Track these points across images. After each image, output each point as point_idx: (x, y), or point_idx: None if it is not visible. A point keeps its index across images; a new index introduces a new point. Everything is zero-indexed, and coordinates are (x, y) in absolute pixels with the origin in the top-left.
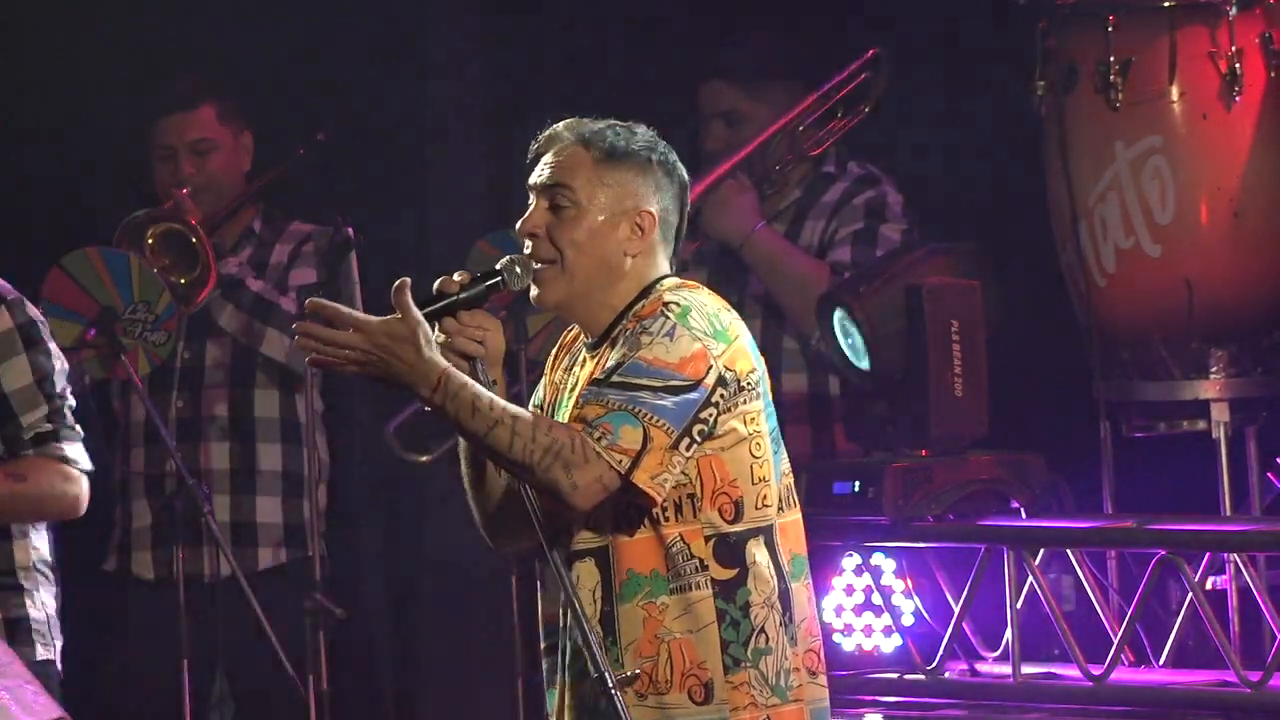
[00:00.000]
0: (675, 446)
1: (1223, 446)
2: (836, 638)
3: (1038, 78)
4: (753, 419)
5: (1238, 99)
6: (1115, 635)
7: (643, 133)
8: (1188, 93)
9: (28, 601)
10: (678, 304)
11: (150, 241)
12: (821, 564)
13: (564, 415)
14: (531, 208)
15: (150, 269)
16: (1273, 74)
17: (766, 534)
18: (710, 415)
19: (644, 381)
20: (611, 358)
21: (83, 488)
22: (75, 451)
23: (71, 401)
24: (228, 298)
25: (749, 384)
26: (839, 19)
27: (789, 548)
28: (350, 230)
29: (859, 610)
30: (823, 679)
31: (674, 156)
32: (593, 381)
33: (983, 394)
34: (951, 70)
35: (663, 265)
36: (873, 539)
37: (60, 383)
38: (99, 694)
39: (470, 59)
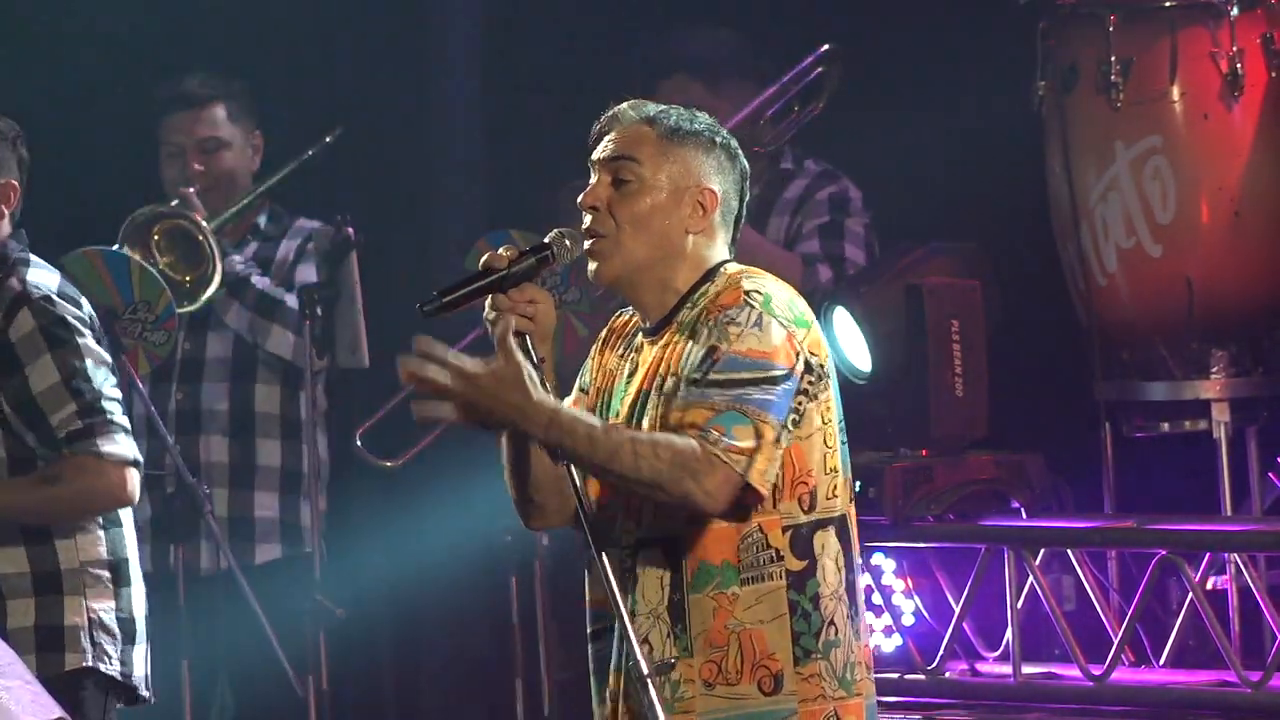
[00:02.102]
0: (778, 440)
1: (1223, 446)
2: None
3: (1038, 78)
4: (827, 407)
5: (1239, 99)
6: (1115, 635)
7: (704, 116)
8: (1188, 93)
9: (67, 606)
10: (758, 291)
11: (156, 238)
12: None
13: (622, 404)
14: (594, 181)
15: (150, 269)
16: (1274, 74)
17: (839, 524)
18: (801, 403)
19: (744, 375)
20: (695, 351)
21: (128, 479)
22: (113, 445)
23: (114, 394)
24: (233, 295)
25: (826, 372)
26: (838, 19)
27: (853, 518)
28: (350, 230)
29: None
30: (873, 675)
31: (735, 143)
32: (689, 382)
33: (983, 394)
34: (951, 70)
35: (722, 249)
36: (873, 539)
37: (98, 377)
38: None
39: (471, 60)
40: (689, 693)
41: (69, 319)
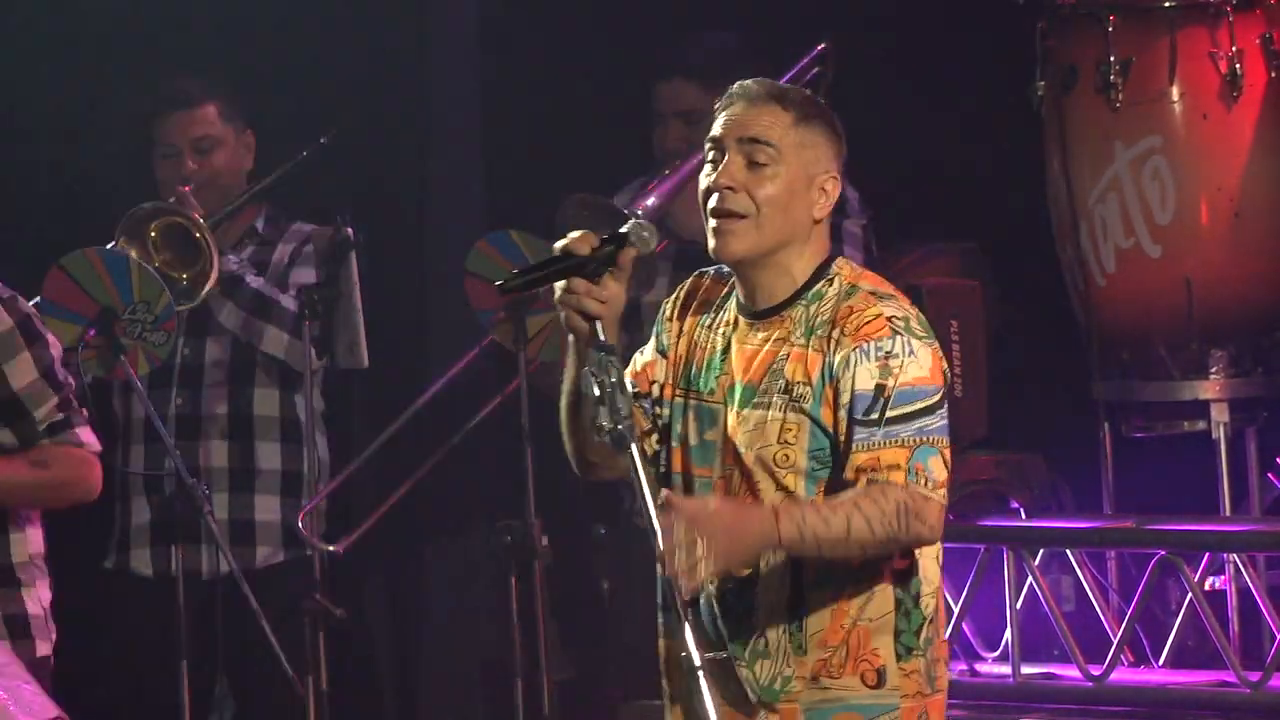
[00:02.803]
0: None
1: (1222, 447)
2: None
3: (1038, 78)
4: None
5: (1238, 99)
6: (1115, 635)
7: (809, 94)
8: (1188, 93)
9: (26, 597)
10: (896, 317)
11: (153, 235)
12: None
13: (718, 384)
14: (726, 160)
15: (150, 269)
16: (1273, 74)
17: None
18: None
19: (919, 406)
20: (849, 380)
21: (97, 470)
22: (87, 435)
23: (70, 380)
24: (227, 294)
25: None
26: (837, 19)
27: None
28: (350, 230)
29: None
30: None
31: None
32: (866, 422)
33: (983, 394)
34: (951, 70)
35: (829, 239)
36: None
37: (60, 370)
38: (98, 692)
39: (470, 60)
40: (797, 687)
41: (31, 314)
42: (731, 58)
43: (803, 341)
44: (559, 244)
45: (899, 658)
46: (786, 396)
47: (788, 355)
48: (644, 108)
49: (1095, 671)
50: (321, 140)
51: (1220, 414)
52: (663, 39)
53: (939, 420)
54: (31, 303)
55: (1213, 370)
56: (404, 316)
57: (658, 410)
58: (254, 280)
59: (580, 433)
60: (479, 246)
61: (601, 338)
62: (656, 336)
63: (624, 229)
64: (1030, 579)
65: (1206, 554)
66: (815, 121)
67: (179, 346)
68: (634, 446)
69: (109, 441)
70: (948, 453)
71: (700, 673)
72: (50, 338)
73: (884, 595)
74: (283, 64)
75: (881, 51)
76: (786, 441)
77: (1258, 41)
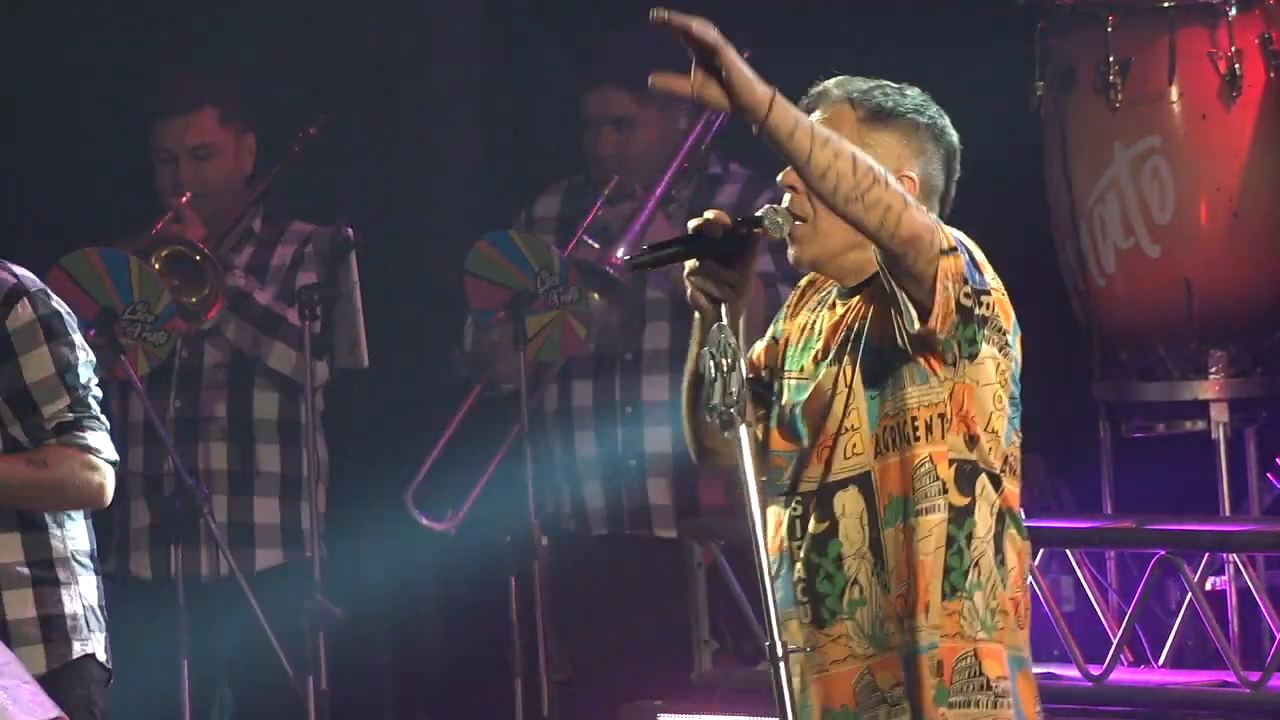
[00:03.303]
0: (964, 282)
1: (1222, 447)
2: None
3: (1037, 78)
4: (1005, 373)
5: (1237, 99)
6: (1115, 635)
7: (914, 95)
8: (1187, 93)
9: (64, 596)
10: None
11: (157, 266)
12: None
13: (808, 360)
14: None
15: (149, 269)
16: (1272, 74)
17: (994, 481)
18: (974, 333)
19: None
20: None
21: (107, 477)
22: (98, 441)
23: (97, 393)
24: (234, 310)
25: (1010, 343)
26: (837, 19)
27: (1008, 499)
28: (350, 230)
29: None
30: (1026, 632)
31: (945, 121)
32: None
33: None
34: (951, 70)
35: None
36: None
37: (85, 374)
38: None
39: (470, 59)
40: (890, 629)
41: (62, 313)
42: (657, 59)
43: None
44: (692, 222)
45: (944, 595)
46: (855, 345)
47: (866, 316)
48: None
49: (1095, 671)
50: (311, 130)
51: (1220, 414)
52: (663, 38)
53: (969, 254)
54: None
55: (1212, 370)
56: (404, 316)
57: (764, 394)
58: (262, 295)
59: (697, 415)
60: (479, 246)
61: (724, 320)
62: (774, 323)
63: (759, 212)
64: (1030, 579)
65: (1206, 554)
66: (889, 119)
67: (178, 349)
68: (743, 429)
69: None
70: (960, 263)
71: (781, 665)
72: (81, 342)
73: (940, 530)
74: (283, 64)
75: (880, 51)
76: (840, 390)
77: (1257, 41)
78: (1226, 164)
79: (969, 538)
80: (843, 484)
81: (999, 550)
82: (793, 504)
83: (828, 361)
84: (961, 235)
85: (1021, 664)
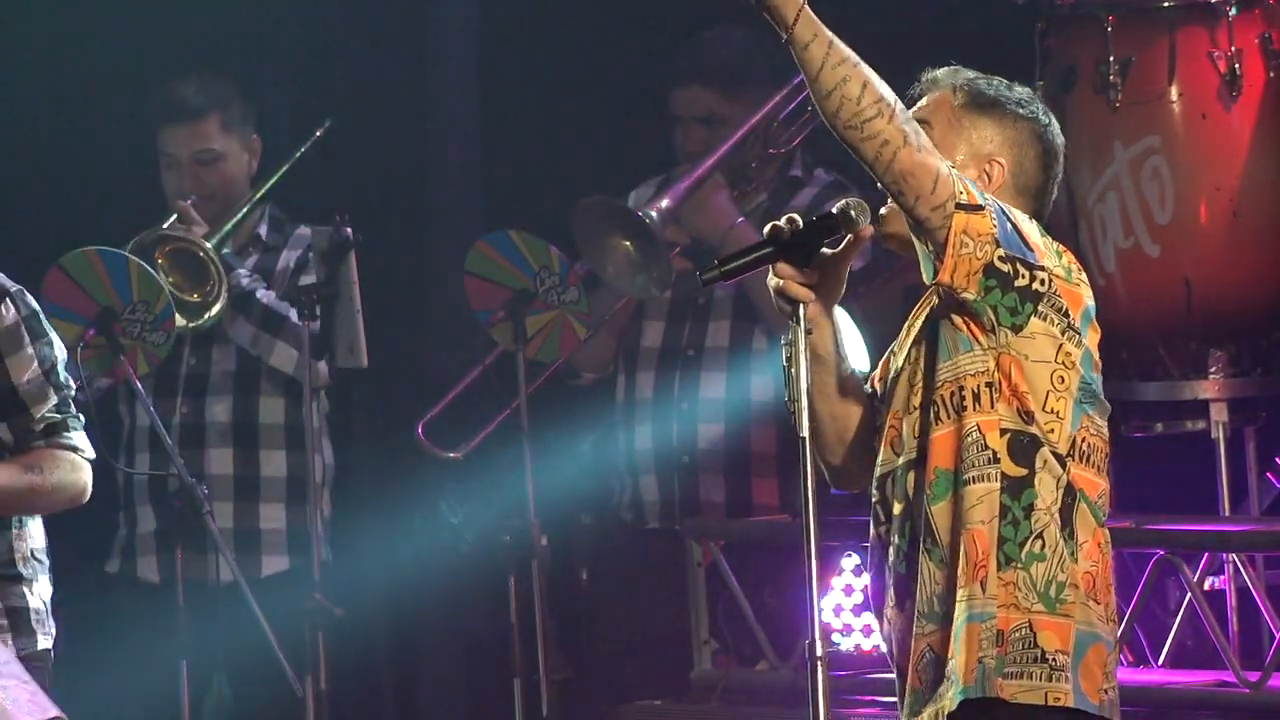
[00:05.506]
0: (996, 245)
1: (1221, 446)
2: (836, 638)
3: (1036, 78)
4: (1068, 353)
5: (1237, 99)
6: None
7: (1021, 91)
8: (1187, 93)
9: (27, 591)
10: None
11: (160, 261)
12: (820, 565)
13: (899, 357)
14: None
15: (149, 269)
16: (1272, 74)
17: (1061, 460)
18: (1015, 302)
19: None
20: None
21: (89, 476)
22: (81, 440)
23: (73, 390)
24: (237, 310)
25: (1078, 328)
26: (836, 19)
27: (1078, 481)
28: (350, 230)
29: (858, 610)
30: (1103, 609)
31: (1049, 120)
32: None
33: None
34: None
35: None
36: None
37: (64, 372)
38: (99, 695)
39: (470, 60)
40: (942, 606)
41: (38, 310)
42: (745, 58)
43: None
44: (767, 227)
45: (999, 566)
46: (934, 326)
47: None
48: (644, 108)
49: None
50: (317, 133)
51: (1219, 414)
52: (662, 38)
53: (1007, 220)
54: None
55: (1212, 370)
56: (404, 316)
57: (878, 405)
58: (265, 295)
59: (820, 439)
60: (479, 246)
61: (804, 323)
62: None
63: (834, 209)
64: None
65: (1206, 554)
66: (986, 108)
67: (185, 355)
68: (804, 431)
69: (114, 449)
70: (990, 222)
71: (820, 663)
72: (57, 339)
73: (992, 499)
74: (283, 64)
75: (880, 51)
76: (909, 370)
77: (1257, 41)
78: (1226, 164)
79: (1028, 509)
80: (911, 465)
81: (1067, 524)
82: (873, 490)
83: (909, 346)
84: (1008, 206)
85: (1095, 639)
